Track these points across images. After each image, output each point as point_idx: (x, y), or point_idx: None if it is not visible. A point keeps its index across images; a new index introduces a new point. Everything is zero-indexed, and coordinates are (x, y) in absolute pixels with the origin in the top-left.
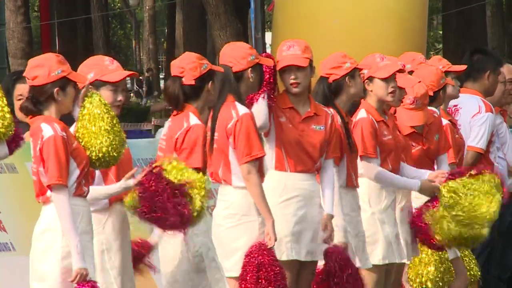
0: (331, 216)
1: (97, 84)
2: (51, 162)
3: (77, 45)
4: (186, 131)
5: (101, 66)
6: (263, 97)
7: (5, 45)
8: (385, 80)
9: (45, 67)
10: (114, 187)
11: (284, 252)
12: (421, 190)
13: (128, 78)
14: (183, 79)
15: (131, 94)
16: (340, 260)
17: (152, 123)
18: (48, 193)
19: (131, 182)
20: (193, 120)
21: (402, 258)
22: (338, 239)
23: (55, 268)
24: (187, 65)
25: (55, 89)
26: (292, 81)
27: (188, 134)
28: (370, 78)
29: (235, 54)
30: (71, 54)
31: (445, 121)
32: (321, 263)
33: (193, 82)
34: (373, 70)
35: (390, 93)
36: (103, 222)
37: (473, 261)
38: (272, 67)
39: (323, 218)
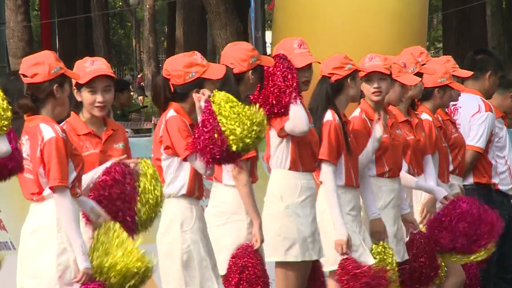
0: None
1: (78, 86)
2: (53, 164)
3: (77, 44)
4: (165, 127)
5: (81, 68)
6: (299, 101)
7: (5, 44)
8: (366, 80)
9: (45, 64)
10: (95, 170)
11: (307, 252)
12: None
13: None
14: (169, 81)
15: (132, 93)
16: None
17: (152, 122)
18: (45, 192)
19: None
20: (170, 114)
21: (401, 257)
22: (338, 236)
23: (51, 265)
24: (172, 71)
25: (55, 86)
26: (305, 79)
27: (168, 129)
28: (361, 79)
29: (236, 56)
30: (71, 53)
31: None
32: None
33: (172, 88)
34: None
35: (373, 93)
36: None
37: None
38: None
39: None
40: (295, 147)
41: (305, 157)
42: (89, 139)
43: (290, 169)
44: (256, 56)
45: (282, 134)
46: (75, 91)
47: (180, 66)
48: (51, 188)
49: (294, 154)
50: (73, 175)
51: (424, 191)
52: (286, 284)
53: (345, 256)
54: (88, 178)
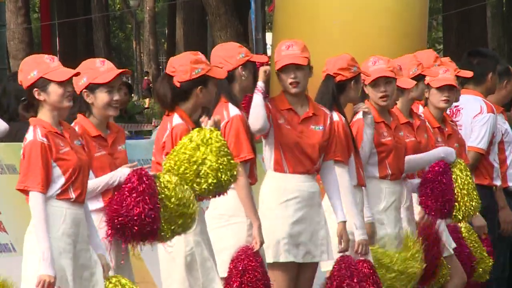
0: (344, 224)
1: (92, 87)
2: (22, 167)
3: (77, 46)
4: (170, 134)
5: (93, 69)
6: (258, 95)
7: (6, 46)
8: (372, 85)
9: (23, 71)
10: (110, 175)
11: (281, 254)
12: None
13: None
14: (174, 78)
15: (132, 95)
16: (349, 267)
17: (153, 124)
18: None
19: (127, 169)
20: (175, 121)
21: None
22: (357, 236)
23: (34, 269)
24: (179, 67)
25: (34, 91)
26: (291, 80)
27: (172, 137)
28: (366, 84)
29: (223, 55)
30: (72, 55)
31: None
32: (326, 267)
33: (178, 85)
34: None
35: (381, 97)
36: (98, 222)
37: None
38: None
39: (338, 229)
40: (279, 148)
41: (291, 159)
42: (98, 142)
43: (275, 170)
44: (244, 53)
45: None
46: (86, 93)
47: (188, 61)
48: (18, 189)
49: (277, 155)
50: (61, 180)
51: (434, 159)
52: (275, 284)
53: (363, 258)
54: (101, 182)
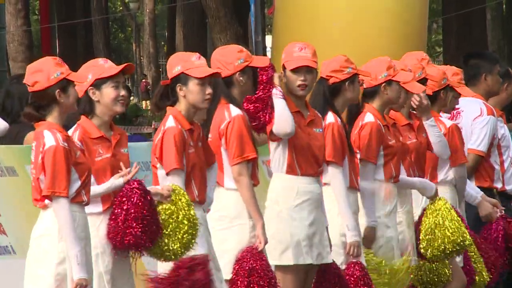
0: (327, 229)
1: (98, 84)
2: (48, 173)
3: (77, 48)
4: (162, 135)
5: (97, 66)
6: (282, 100)
7: (5, 48)
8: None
9: (43, 71)
10: (103, 186)
11: (301, 256)
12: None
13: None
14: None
15: (132, 98)
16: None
17: (152, 126)
18: (47, 200)
19: (121, 180)
20: (169, 123)
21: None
22: (349, 238)
23: (50, 274)
24: (167, 67)
25: (56, 91)
26: (300, 82)
27: (163, 138)
28: (389, 82)
29: (222, 59)
30: (71, 57)
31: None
32: None
33: (162, 84)
34: (392, 73)
35: (401, 97)
36: (97, 225)
37: (482, 266)
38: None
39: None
40: (292, 151)
41: (303, 161)
42: (101, 143)
43: (287, 172)
44: (243, 58)
45: (273, 137)
46: (92, 91)
47: (170, 61)
48: (44, 196)
49: (290, 158)
50: (77, 184)
51: (409, 186)
52: (284, 286)
53: (355, 260)
54: (101, 190)
